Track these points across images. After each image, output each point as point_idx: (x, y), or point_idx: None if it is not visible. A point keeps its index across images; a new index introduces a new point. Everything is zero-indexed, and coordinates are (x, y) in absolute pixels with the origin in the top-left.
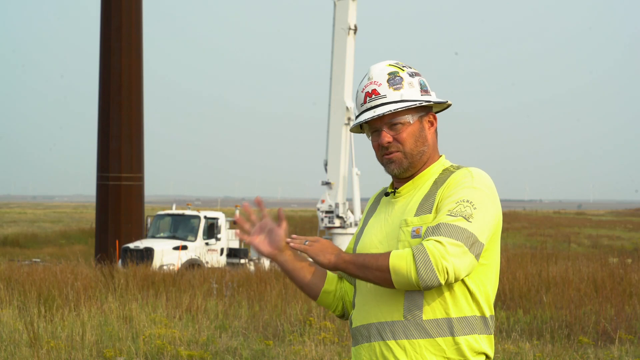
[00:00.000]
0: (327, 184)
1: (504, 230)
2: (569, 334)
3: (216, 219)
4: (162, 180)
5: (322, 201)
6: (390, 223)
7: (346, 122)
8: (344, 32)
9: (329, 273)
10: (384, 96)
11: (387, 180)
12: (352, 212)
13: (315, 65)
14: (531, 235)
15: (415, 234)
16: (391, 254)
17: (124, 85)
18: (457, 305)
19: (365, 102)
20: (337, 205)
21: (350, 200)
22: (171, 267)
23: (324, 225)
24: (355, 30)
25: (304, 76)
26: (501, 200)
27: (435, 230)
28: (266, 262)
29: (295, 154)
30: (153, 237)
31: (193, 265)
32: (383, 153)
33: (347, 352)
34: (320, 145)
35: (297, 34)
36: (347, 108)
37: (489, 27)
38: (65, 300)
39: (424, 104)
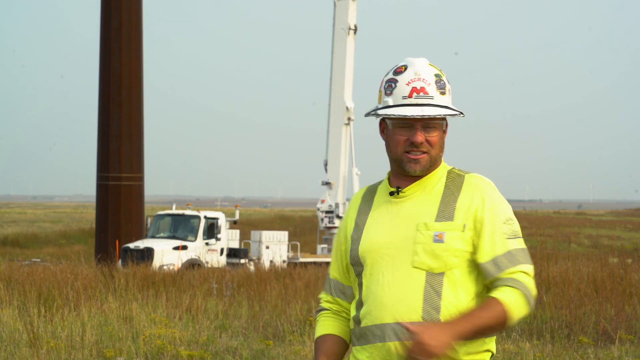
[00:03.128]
0: (327, 184)
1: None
2: (569, 334)
3: (216, 219)
4: (162, 180)
5: (322, 201)
6: (401, 224)
7: (346, 122)
8: (344, 32)
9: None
10: (431, 97)
11: (377, 178)
12: None
13: (315, 65)
14: (531, 235)
15: (438, 239)
16: (505, 303)
17: (124, 85)
18: (469, 306)
19: (410, 96)
20: (337, 205)
21: (350, 200)
22: (171, 267)
23: (324, 225)
24: (355, 30)
25: (304, 76)
26: None
27: (512, 259)
28: (266, 262)
29: (296, 153)
30: (153, 237)
31: (193, 265)
32: (407, 150)
33: (346, 352)
34: (320, 145)
35: (297, 33)
36: (347, 108)
37: (489, 27)
38: (65, 300)
39: (460, 115)
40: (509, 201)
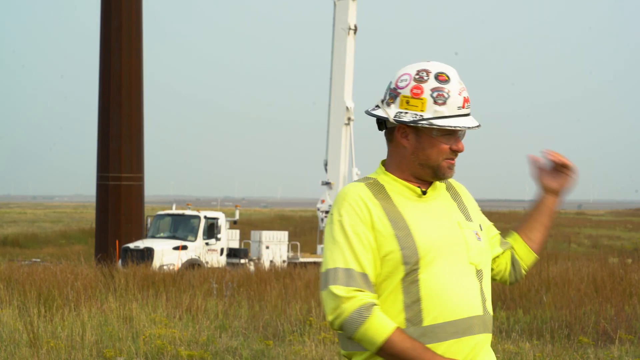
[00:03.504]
0: (327, 184)
1: (505, 230)
2: (569, 334)
3: (216, 219)
4: (162, 180)
5: (322, 201)
6: (443, 223)
7: (346, 122)
8: (344, 32)
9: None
10: (470, 106)
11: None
12: None
13: (315, 65)
14: None
15: (478, 237)
16: None
17: (124, 85)
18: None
19: (463, 106)
20: None
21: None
22: (171, 267)
23: (324, 225)
24: (355, 30)
25: (304, 75)
26: (501, 200)
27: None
28: (266, 262)
29: (296, 153)
30: (153, 237)
31: (193, 265)
32: (448, 157)
33: None
34: (320, 145)
35: (298, 33)
36: (347, 108)
37: (488, 27)
38: (65, 300)
39: None
40: (509, 201)
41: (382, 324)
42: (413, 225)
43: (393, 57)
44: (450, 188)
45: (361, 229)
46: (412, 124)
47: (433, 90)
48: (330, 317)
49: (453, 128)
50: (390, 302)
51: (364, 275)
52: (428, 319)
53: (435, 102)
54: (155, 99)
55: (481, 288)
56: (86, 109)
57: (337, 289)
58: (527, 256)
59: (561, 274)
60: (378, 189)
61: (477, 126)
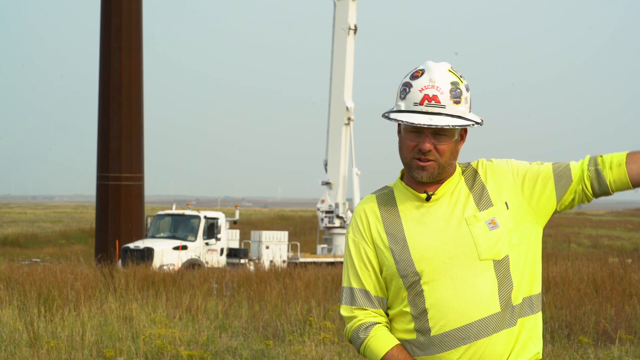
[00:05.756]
0: (327, 184)
1: None
2: (569, 334)
3: (216, 219)
4: (162, 180)
5: (322, 201)
6: (449, 224)
7: (346, 122)
8: (344, 32)
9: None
10: (444, 106)
11: (383, 182)
12: (352, 212)
13: (315, 65)
14: None
15: (493, 226)
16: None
17: (124, 85)
18: (536, 282)
19: (422, 103)
20: (337, 205)
21: (350, 200)
22: (171, 267)
23: (324, 225)
24: (355, 30)
25: (304, 75)
26: None
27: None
28: (266, 262)
29: (296, 153)
30: (153, 237)
31: (193, 265)
32: (416, 156)
33: (347, 352)
34: (320, 145)
35: (297, 34)
36: (347, 108)
37: (488, 27)
38: (65, 300)
39: (475, 125)
40: None
41: (377, 346)
42: (412, 236)
43: (393, 57)
44: (469, 177)
45: (362, 245)
46: (382, 116)
47: (402, 85)
48: (345, 334)
49: (398, 121)
50: (400, 314)
51: (366, 293)
52: (435, 329)
53: (399, 97)
54: (156, 97)
55: (504, 279)
56: (86, 109)
57: (343, 309)
58: (619, 184)
59: (561, 274)
60: (387, 199)
61: (436, 126)
